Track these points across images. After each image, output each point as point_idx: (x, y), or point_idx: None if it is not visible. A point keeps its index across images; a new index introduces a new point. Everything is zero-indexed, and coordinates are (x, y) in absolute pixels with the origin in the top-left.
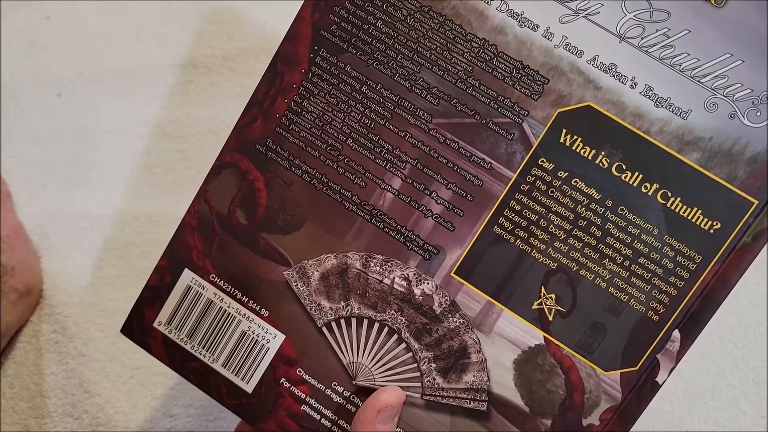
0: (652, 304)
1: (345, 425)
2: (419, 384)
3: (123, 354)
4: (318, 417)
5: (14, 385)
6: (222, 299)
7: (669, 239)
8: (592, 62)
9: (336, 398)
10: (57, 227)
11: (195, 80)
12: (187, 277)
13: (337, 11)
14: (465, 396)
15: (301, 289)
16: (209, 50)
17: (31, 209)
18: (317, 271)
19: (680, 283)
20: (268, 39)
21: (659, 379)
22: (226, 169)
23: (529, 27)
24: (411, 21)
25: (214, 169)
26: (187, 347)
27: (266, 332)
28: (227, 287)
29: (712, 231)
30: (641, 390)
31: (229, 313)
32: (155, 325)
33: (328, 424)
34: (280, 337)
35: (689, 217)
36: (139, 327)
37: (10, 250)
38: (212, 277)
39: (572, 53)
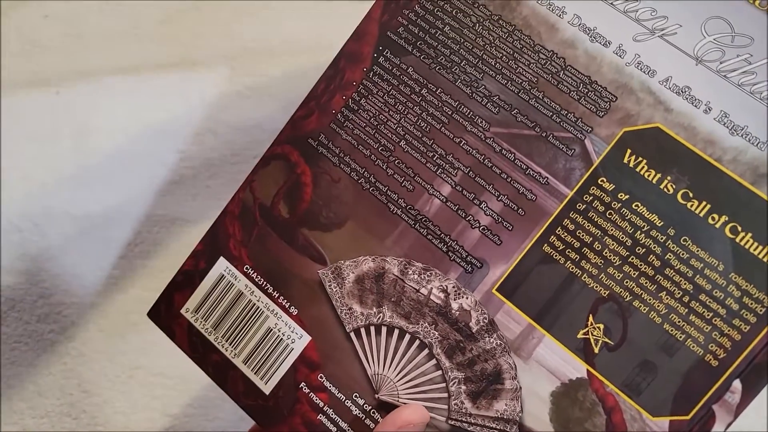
0: (712, 347)
1: None
2: (446, 406)
3: (122, 354)
4: (334, 429)
5: (12, 385)
6: (253, 292)
7: (735, 277)
8: (665, 83)
9: (355, 410)
10: (57, 227)
11: (195, 80)
12: (222, 265)
13: (406, 14)
14: (493, 426)
15: (334, 290)
16: (209, 50)
17: (31, 209)
18: (353, 272)
19: (745, 327)
20: (268, 39)
21: None
22: (275, 160)
23: (600, 43)
24: (479, 28)
25: (264, 159)
26: (211, 338)
27: (293, 331)
28: (260, 280)
29: None
30: None
31: (258, 307)
32: (182, 311)
33: None
34: (306, 338)
35: (760, 256)
36: (167, 311)
37: None
38: (246, 268)
39: (644, 72)
